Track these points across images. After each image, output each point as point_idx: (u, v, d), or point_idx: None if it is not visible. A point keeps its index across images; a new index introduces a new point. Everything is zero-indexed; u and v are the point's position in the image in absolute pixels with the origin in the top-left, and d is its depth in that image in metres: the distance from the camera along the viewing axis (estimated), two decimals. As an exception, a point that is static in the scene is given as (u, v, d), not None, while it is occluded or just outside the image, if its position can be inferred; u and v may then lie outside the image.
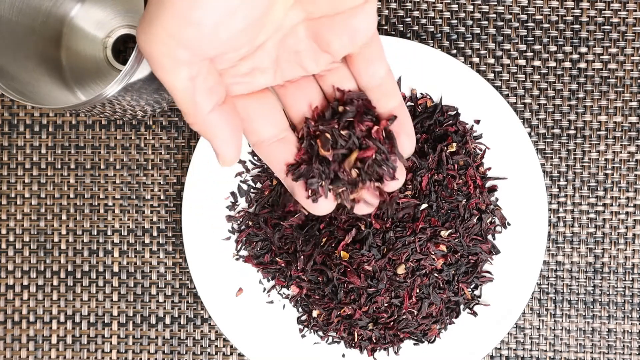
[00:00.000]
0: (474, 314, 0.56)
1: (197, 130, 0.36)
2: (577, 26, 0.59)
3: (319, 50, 0.37)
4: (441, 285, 0.54)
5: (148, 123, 0.60)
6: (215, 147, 0.37)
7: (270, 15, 0.35)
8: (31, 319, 0.60)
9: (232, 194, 0.57)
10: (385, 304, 0.54)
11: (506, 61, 0.59)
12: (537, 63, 0.59)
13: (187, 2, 0.32)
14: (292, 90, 0.39)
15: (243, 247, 0.57)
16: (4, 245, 0.60)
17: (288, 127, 0.40)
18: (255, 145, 0.40)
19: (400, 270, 0.52)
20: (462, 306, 0.56)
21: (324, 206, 0.40)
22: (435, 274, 0.53)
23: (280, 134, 0.39)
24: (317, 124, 0.39)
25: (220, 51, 0.34)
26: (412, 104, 0.56)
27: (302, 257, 0.54)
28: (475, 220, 0.55)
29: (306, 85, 0.39)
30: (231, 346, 0.59)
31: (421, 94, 0.56)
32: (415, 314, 0.54)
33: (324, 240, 0.54)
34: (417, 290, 0.53)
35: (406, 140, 0.40)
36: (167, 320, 0.59)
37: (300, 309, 0.57)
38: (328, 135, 0.39)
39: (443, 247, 0.53)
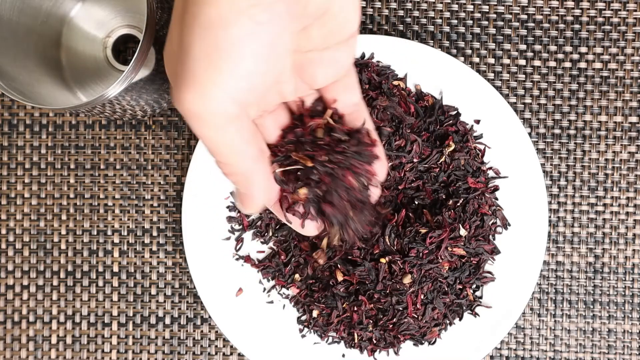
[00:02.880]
0: (475, 314, 0.56)
1: (235, 181, 0.36)
2: (577, 26, 0.59)
3: (300, 81, 0.38)
4: (445, 289, 0.54)
5: (148, 123, 0.60)
6: (252, 194, 0.37)
7: None
8: (31, 319, 0.60)
9: (232, 193, 0.57)
10: (388, 307, 0.53)
11: (506, 61, 0.59)
12: (537, 63, 0.59)
13: (234, 58, 0.32)
14: (269, 120, 0.40)
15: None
16: (4, 245, 0.60)
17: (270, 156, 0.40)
18: None
19: (407, 280, 0.52)
20: (464, 307, 0.56)
21: (309, 229, 0.41)
22: (440, 279, 0.53)
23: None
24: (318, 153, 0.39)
25: (258, 99, 0.35)
26: (415, 98, 0.56)
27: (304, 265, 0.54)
28: (479, 221, 0.55)
29: (280, 112, 0.40)
30: (231, 346, 0.59)
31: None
32: (419, 318, 0.54)
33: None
34: (422, 297, 0.53)
35: (380, 166, 0.41)
36: (167, 320, 0.59)
37: (300, 309, 0.57)
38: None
39: (461, 251, 0.53)
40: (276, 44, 0.33)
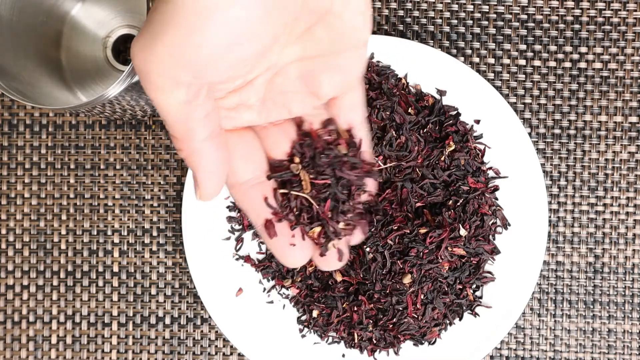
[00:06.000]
0: (475, 314, 0.56)
1: (184, 157, 0.34)
2: (577, 26, 0.59)
3: (306, 92, 0.37)
4: (445, 289, 0.54)
5: (148, 123, 0.60)
6: (198, 178, 0.35)
7: (268, 51, 0.34)
8: (31, 319, 0.60)
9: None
10: (388, 307, 0.54)
11: (506, 61, 0.59)
12: (537, 63, 0.59)
13: (193, 24, 0.31)
14: (274, 131, 0.38)
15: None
16: (4, 245, 0.60)
17: (267, 171, 0.38)
18: (231, 186, 0.38)
19: (407, 280, 0.52)
20: (464, 307, 0.56)
21: (299, 257, 0.38)
22: (440, 279, 0.53)
23: (259, 178, 0.38)
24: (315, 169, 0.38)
25: (220, 78, 0.33)
26: (415, 99, 0.56)
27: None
28: (479, 221, 0.55)
29: (288, 126, 0.38)
30: (231, 346, 0.59)
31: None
32: (419, 318, 0.54)
33: None
34: (422, 297, 0.53)
35: (372, 184, 0.40)
36: (167, 320, 0.59)
37: (300, 309, 0.57)
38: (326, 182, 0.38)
39: (461, 251, 0.53)
40: (257, 28, 0.32)
